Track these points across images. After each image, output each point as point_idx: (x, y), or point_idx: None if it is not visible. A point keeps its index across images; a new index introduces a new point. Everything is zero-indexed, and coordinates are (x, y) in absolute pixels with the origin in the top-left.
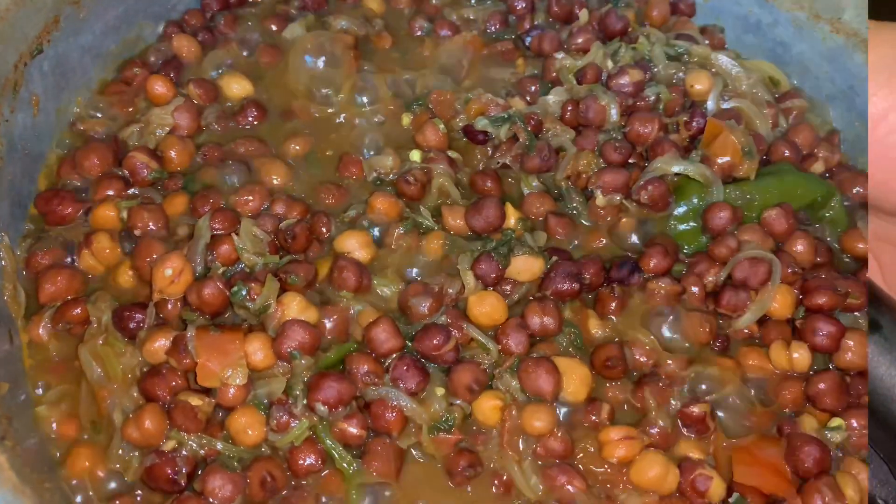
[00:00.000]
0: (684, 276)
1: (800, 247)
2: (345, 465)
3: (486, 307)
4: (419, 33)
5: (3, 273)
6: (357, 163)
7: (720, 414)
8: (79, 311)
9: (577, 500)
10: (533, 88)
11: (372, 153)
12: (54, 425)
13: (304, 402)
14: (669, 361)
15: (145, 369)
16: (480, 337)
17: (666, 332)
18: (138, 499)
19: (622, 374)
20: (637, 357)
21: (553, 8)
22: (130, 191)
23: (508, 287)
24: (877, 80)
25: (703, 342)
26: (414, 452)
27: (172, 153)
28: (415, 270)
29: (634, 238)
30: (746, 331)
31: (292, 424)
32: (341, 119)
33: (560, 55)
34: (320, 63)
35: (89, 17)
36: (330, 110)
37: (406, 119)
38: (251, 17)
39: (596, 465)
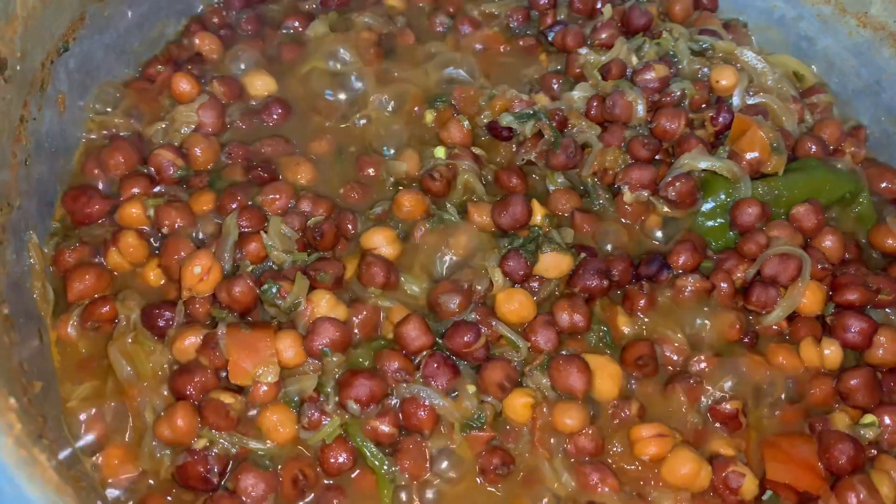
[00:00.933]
0: (713, 272)
1: (828, 242)
2: (376, 462)
3: (515, 304)
4: (440, 29)
5: (32, 271)
6: (375, 162)
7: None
8: (107, 309)
9: (608, 499)
10: (556, 84)
11: (394, 151)
12: (85, 424)
13: (336, 399)
14: (700, 358)
15: (175, 367)
16: (510, 334)
17: (695, 329)
18: (170, 498)
19: (654, 372)
20: (667, 354)
21: (575, 3)
22: (156, 189)
23: (536, 284)
24: None
25: (732, 339)
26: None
27: (197, 151)
28: (442, 267)
29: (661, 234)
30: (776, 327)
31: (324, 422)
32: (365, 117)
33: (584, 51)
34: (342, 61)
35: (114, 15)
36: (353, 108)
37: (429, 116)
38: (273, 14)
39: (627, 463)
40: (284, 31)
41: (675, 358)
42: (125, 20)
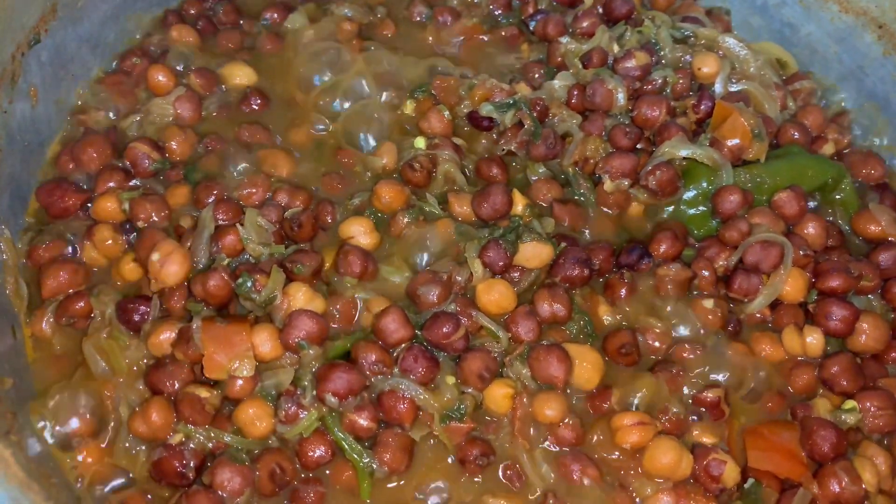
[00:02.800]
0: (694, 260)
1: (811, 229)
2: (355, 456)
3: (495, 295)
4: (418, 19)
5: (5, 267)
6: (353, 155)
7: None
8: (82, 304)
9: (589, 489)
10: (538, 74)
11: (372, 142)
12: (58, 420)
13: (313, 392)
14: (684, 346)
15: (150, 362)
16: (490, 325)
17: (677, 317)
18: (146, 494)
19: (636, 361)
20: (650, 342)
21: None
22: (132, 182)
23: (517, 274)
24: None
25: (714, 327)
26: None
27: (174, 143)
28: (422, 258)
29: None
30: (759, 315)
31: (301, 416)
32: (345, 108)
33: (565, 39)
34: (322, 52)
35: (87, 7)
36: (333, 99)
37: (409, 106)
38: (252, 5)
39: (608, 452)
40: (263, 23)
41: (658, 346)
42: (99, 12)
